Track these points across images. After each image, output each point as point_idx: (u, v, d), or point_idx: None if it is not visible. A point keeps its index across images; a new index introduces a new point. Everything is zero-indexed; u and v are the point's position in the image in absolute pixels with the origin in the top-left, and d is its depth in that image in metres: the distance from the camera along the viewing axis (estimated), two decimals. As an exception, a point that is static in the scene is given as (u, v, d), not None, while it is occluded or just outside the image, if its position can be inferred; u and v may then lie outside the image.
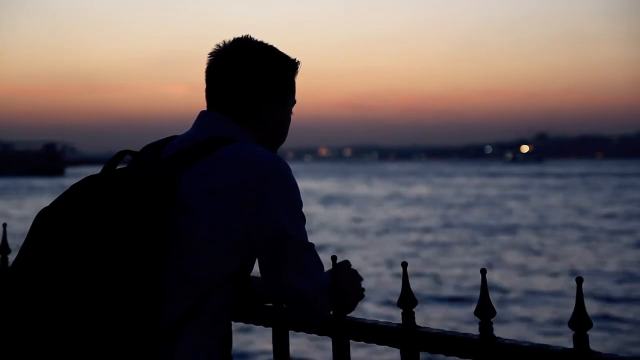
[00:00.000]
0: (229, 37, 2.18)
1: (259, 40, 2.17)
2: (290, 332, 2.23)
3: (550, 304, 15.49)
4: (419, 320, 1.98)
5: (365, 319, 2.07)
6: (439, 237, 28.00)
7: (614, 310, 14.88)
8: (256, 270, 2.08)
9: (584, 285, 1.65)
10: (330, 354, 2.15)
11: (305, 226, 2.04)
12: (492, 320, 1.82)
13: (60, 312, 1.85)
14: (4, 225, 2.89)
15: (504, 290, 16.82)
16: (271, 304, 2.24)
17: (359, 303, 2.12)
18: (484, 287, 1.82)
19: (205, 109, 2.17)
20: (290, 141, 2.30)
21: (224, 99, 2.13)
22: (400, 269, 2.01)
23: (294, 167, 2.05)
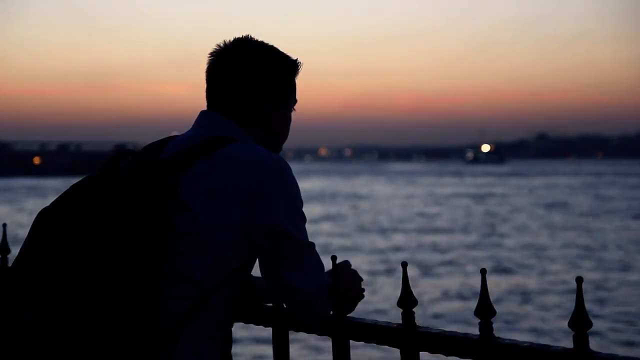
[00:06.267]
0: (230, 36, 2.18)
1: (259, 40, 2.17)
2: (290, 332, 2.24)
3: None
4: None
5: (365, 319, 2.06)
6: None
7: None
8: (256, 270, 2.08)
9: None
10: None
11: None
12: (492, 320, 1.82)
13: (60, 312, 1.85)
14: (4, 225, 2.89)
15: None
16: (271, 304, 2.24)
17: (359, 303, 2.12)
18: (484, 287, 1.82)
19: (205, 108, 2.17)
20: (290, 141, 2.30)
21: (225, 99, 2.13)
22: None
23: (294, 167, 2.05)
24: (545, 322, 13.97)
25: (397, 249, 24.85)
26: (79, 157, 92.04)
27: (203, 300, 1.98)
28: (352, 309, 2.08)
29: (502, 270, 20.03)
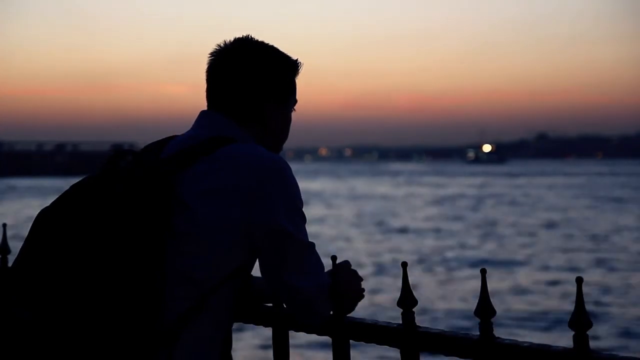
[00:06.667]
0: (230, 36, 2.18)
1: (259, 40, 2.17)
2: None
3: None
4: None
5: (365, 319, 2.06)
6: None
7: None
8: (256, 270, 2.08)
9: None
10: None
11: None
12: (492, 320, 1.81)
13: (60, 312, 1.85)
14: (4, 225, 2.88)
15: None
16: (271, 304, 2.24)
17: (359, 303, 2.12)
18: (484, 287, 1.82)
19: (205, 108, 2.17)
20: (290, 141, 2.30)
21: (225, 99, 2.13)
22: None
23: (294, 167, 2.05)
24: (544, 322, 13.97)
25: (397, 249, 24.85)
26: (76, 157, 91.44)
27: (203, 300, 1.98)
28: (352, 309, 2.09)
29: (502, 270, 20.03)
